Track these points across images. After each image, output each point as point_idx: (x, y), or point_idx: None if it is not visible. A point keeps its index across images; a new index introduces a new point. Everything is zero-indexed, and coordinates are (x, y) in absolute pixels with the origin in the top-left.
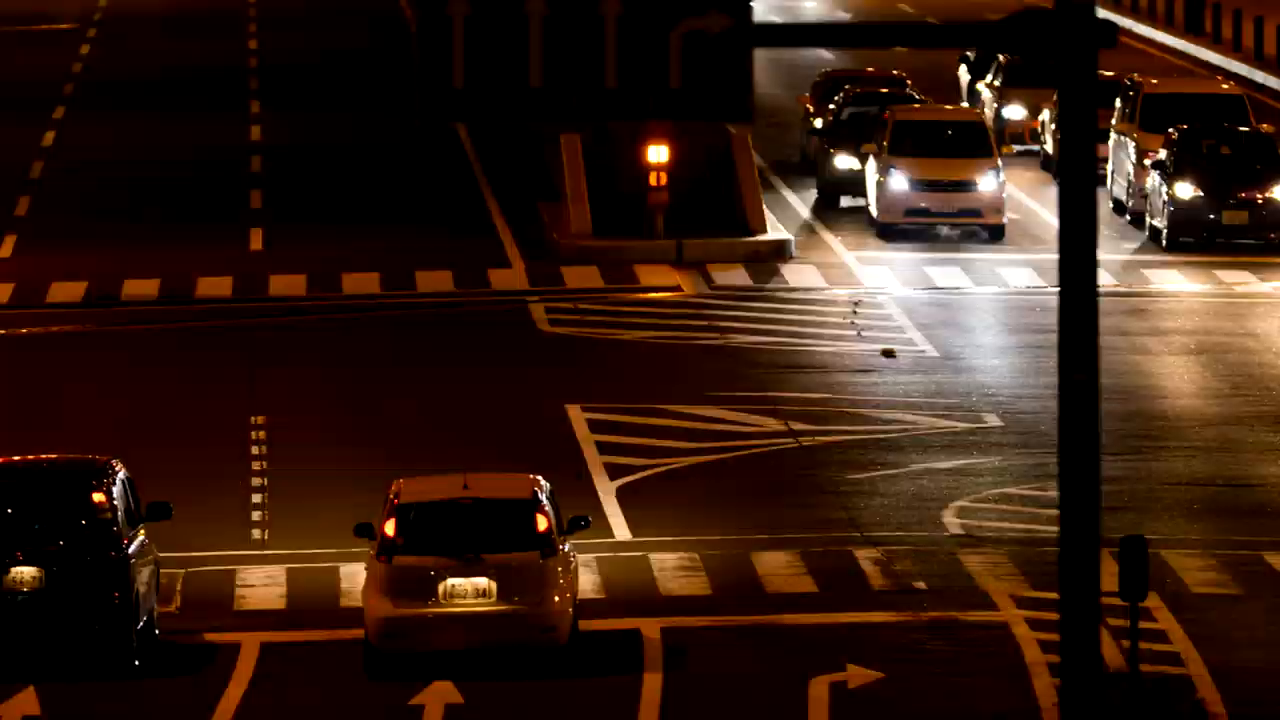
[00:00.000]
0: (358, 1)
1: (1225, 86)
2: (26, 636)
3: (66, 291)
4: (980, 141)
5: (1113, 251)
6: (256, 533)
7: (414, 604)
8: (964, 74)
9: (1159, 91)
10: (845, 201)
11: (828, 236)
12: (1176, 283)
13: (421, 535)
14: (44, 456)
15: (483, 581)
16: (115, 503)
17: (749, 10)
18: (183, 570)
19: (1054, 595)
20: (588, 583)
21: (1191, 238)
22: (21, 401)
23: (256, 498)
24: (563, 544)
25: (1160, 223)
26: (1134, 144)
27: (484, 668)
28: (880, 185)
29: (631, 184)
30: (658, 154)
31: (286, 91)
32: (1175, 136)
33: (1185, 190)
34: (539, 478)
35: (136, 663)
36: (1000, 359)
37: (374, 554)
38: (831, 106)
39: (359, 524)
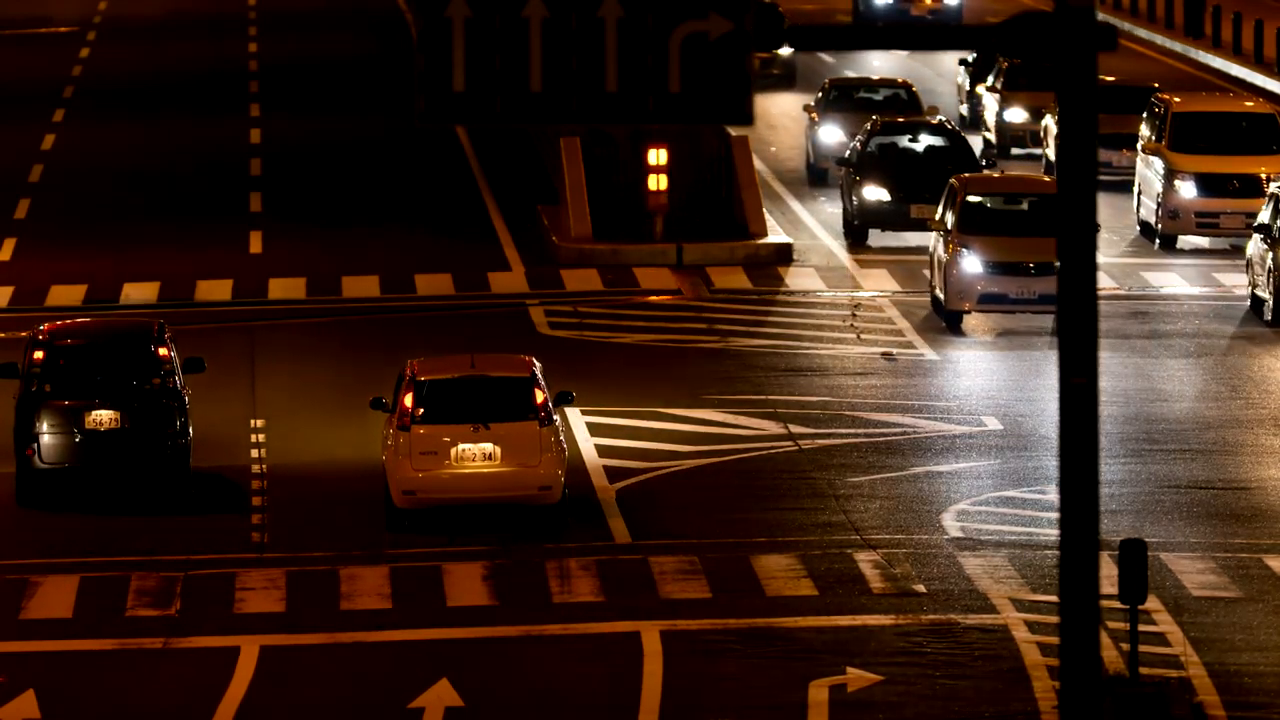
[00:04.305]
0: (358, 4)
1: (1250, 104)
2: (106, 467)
3: (66, 295)
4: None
5: (1114, 255)
6: (256, 536)
7: (431, 466)
8: (964, 78)
9: (1189, 110)
10: (875, 237)
11: (828, 240)
12: (1176, 285)
13: (436, 407)
14: (110, 317)
15: (489, 446)
16: (174, 357)
17: (748, 13)
18: (181, 574)
19: (1053, 598)
20: (587, 587)
21: None
22: None
23: (256, 501)
24: (555, 415)
25: (1265, 293)
26: (1163, 164)
27: (499, 521)
28: (948, 267)
29: (631, 187)
30: (657, 157)
31: (286, 94)
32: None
33: None
34: (534, 359)
35: (192, 491)
36: (999, 362)
37: (393, 426)
38: (860, 138)
39: (374, 398)
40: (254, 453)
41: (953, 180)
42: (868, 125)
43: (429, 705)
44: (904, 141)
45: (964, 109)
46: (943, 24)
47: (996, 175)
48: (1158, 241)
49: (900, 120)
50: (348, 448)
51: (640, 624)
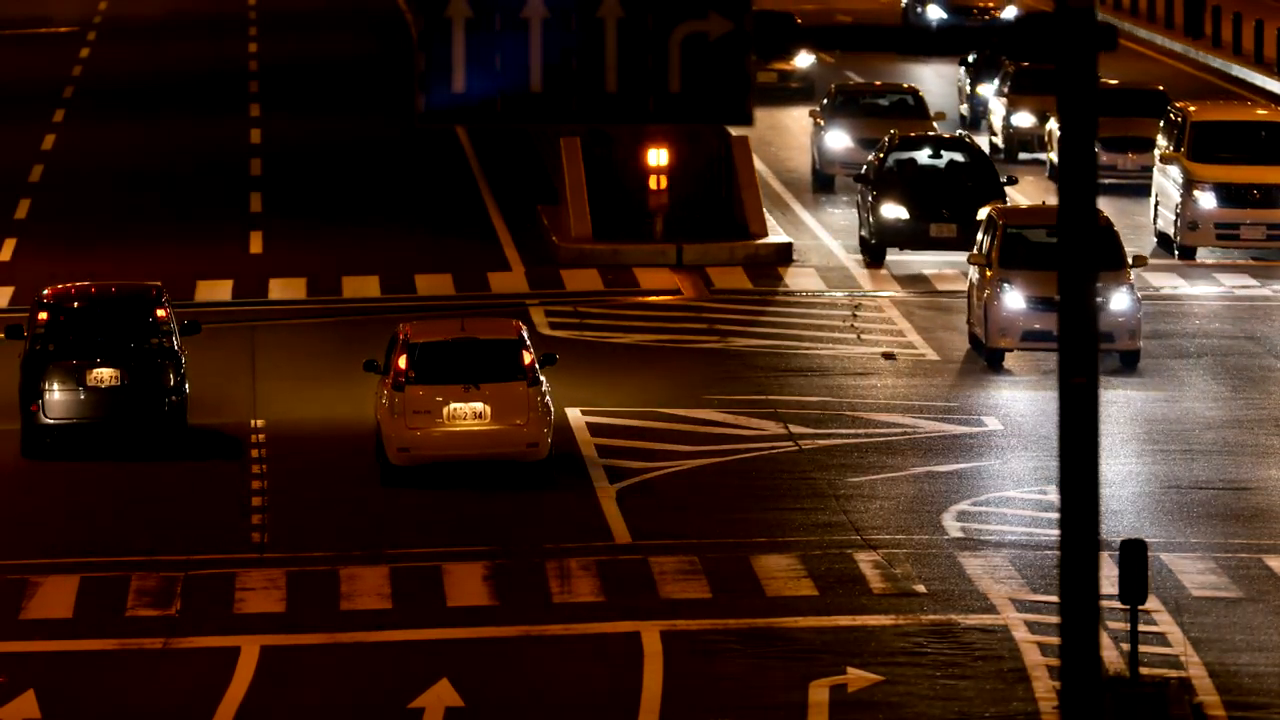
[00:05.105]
0: (358, 4)
1: (1262, 112)
2: (106, 422)
3: None
4: (1110, 251)
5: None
6: (256, 536)
7: (424, 424)
8: (964, 79)
9: (1207, 119)
10: (893, 256)
11: (828, 240)
12: (1177, 286)
13: (429, 368)
14: (111, 282)
15: (479, 405)
16: (172, 319)
17: (748, 13)
18: (181, 574)
19: (1053, 598)
20: (587, 587)
21: None
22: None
23: (256, 501)
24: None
25: None
26: (1182, 173)
27: (487, 477)
28: (989, 303)
29: (631, 187)
30: (657, 157)
31: (287, 94)
32: None
33: None
34: (521, 322)
35: (188, 444)
36: (999, 362)
37: (386, 387)
38: (877, 153)
39: (367, 360)
40: (254, 453)
41: (991, 211)
42: (885, 139)
43: (429, 705)
44: (923, 158)
45: (964, 109)
46: (952, 27)
47: (1033, 206)
48: (1176, 252)
49: (916, 135)
50: (348, 449)
51: (640, 624)
